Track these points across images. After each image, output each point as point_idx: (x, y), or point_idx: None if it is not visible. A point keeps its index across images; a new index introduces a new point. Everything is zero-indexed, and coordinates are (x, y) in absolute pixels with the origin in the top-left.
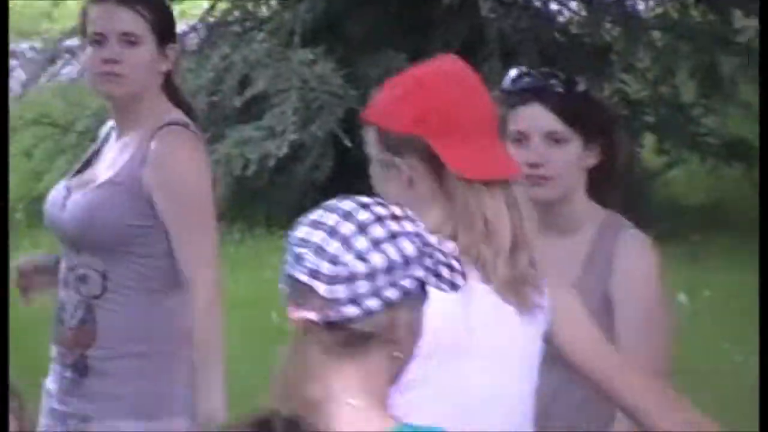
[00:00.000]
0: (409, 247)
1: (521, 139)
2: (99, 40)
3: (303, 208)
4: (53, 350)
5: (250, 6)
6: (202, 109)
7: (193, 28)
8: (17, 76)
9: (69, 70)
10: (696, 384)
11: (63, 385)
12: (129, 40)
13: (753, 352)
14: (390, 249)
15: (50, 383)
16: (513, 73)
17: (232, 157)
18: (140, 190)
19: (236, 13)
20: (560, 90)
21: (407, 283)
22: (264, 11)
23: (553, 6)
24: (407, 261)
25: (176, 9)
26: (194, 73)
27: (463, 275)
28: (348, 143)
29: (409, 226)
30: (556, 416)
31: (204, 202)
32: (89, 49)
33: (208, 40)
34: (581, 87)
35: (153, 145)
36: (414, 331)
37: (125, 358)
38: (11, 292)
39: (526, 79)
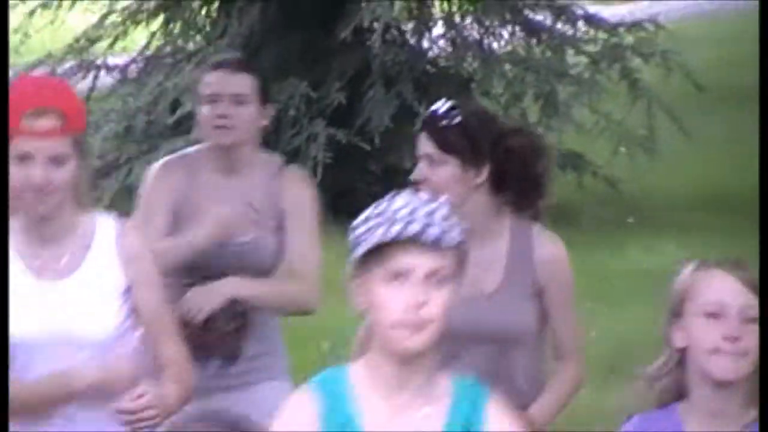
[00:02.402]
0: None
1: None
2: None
3: None
4: None
5: (179, 42)
6: (141, 126)
7: (134, 60)
8: None
9: None
10: None
11: None
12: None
13: None
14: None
15: None
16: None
17: None
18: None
19: (168, 48)
20: (439, 121)
21: None
22: (191, 46)
23: (425, 44)
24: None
25: (120, 44)
26: (134, 96)
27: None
28: None
29: None
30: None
31: None
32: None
33: (146, 69)
34: (456, 118)
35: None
36: None
37: None
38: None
39: (427, 113)
